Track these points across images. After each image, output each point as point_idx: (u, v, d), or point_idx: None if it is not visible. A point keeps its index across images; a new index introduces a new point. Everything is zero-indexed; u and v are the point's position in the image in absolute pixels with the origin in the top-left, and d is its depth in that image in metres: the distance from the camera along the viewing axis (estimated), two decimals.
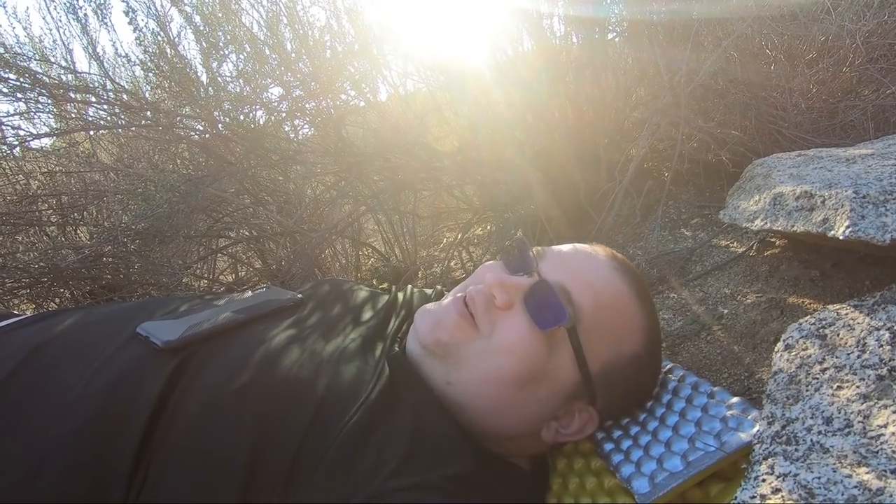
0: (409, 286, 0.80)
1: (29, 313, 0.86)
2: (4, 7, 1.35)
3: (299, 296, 0.71)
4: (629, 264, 0.65)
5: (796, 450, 0.41)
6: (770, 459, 0.42)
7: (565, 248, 0.65)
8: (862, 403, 0.42)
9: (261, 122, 1.46)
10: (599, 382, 0.59)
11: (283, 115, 1.52)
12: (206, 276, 1.79)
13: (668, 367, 0.73)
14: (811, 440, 0.42)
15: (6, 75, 1.16)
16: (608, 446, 0.65)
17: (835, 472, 0.37)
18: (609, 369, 0.59)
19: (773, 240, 1.01)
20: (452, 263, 1.63)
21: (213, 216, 1.65)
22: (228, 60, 1.41)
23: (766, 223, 0.72)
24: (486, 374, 0.57)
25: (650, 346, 0.63)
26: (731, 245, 1.10)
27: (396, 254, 1.74)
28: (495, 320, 0.58)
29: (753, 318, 0.84)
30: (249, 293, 0.74)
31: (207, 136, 1.44)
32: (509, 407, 0.58)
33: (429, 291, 0.82)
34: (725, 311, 0.89)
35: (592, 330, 0.57)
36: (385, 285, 1.65)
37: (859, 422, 0.40)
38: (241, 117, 1.42)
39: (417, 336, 0.61)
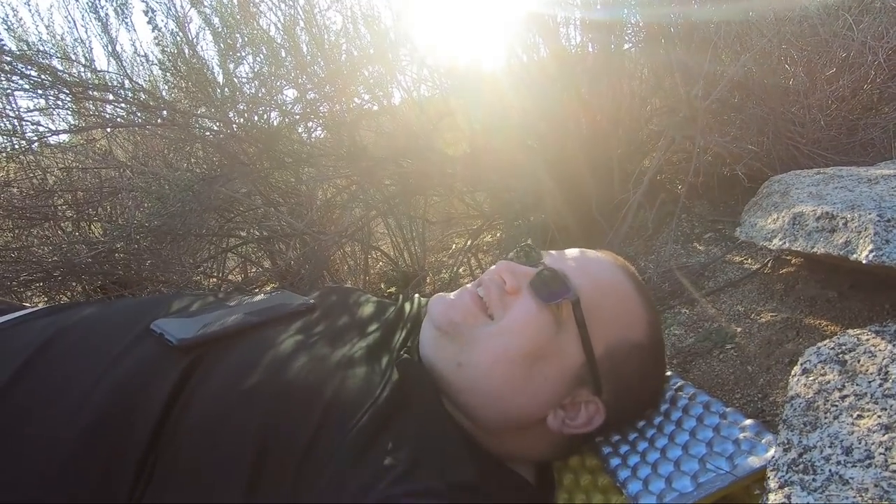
0: (416, 295, 0.81)
1: (41, 306, 0.87)
2: (28, 5, 1.37)
3: (311, 301, 0.71)
4: (631, 268, 0.67)
5: (814, 480, 0.40)
6: (787, 489, 0.41)
7: (569, 250, 0.68)
8: (884, 434, 0.41)
9: (275, 124, 1.47)
10: (604, 366, 0.59)
11: (298, 117, 1.52)
12: (215, 274, 1.80)
13: (679, 384, 0.72)
14: (830, 470, 0.40)
15: (28, 72, 1.18)
16: (615, 462, 0.65)
17: None
18: (613, 354, 0.60)
19: (788, 258, 1.00)
20: (461, 270, 1.62)
21: (225, 216, 1.66)
22: (245, 62, 1.42)
23: (785, 243, 0.71)
24: (497, 352, 0.58)
25: (654, 340, 0.63)
26: (745, 261, 1.09)
27: (405, 258, 1.74)
28: (507, 306, 0.61)
29: (768, 337, 0.83)
30: (262, 296, 0.74)
31: (222, 136, 1.45)
32: (518, 386, 0.58)
33: None
34: (739, 330, 0.88)
35: (595, 310, 0.59)
36: (392, 290, 1.65)
37: (881, 454, 0.39)
38: (256, 118, 1.43)
39: (431, 318, 0.63)
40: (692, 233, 1.30)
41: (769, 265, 1.02)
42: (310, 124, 1.61)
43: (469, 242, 1.62)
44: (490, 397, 0.59)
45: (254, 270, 1.92)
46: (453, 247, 1.96)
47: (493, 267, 0.66)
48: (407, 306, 0.76)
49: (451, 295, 0.65)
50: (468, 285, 0.67)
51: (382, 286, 1.74)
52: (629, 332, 0.61)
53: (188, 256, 1.55)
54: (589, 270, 0.62)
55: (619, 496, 0.63)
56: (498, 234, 1.77)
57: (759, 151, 1.26)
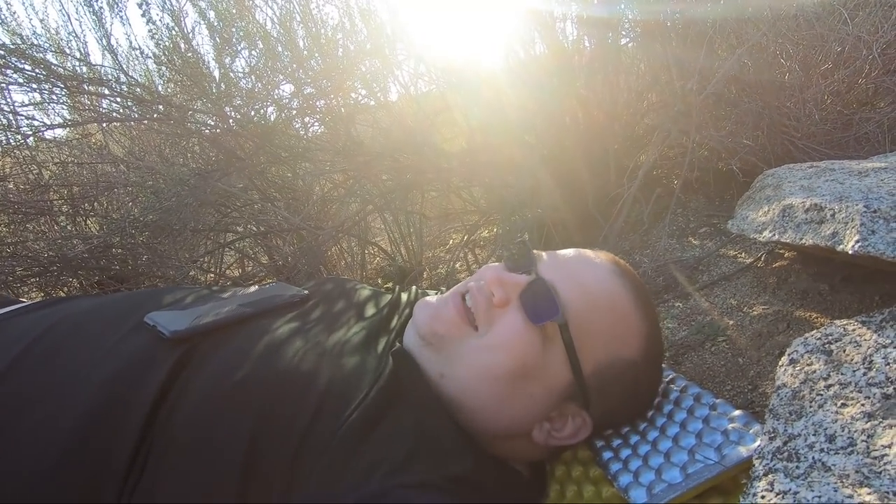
0: (414, 287, 0.80)
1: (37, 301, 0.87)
2: None
3: (305, 292, 0.71)
4: (631, 271, 0.64)
5: (797, 467, 0.41)
6: (770, 476, 0.41)
7: (567, 251, 0.65)
8: (866, 422, 0.41)
9: (271, 119, 1.47)
10: (593, 384, 0.59)
11: (294, 112, 1.52)
12: (212, 270, 1.80)
13: (671, 376, 0.72)
14: (813, 458, 0.41)
15: (22, 66, 1.18)
16: (607, 455, 0.65)
17: (836, 491, 0.36)
18: (603, 372, 0.59)
19: (781, 251, 1.00)
20: (458, 265, 1.63)
21: (222, 211, 1.66)
22: (241, 56, 1.42)
23: (775, 235, 0.71)
24: (480, 369, 0.57)
25: (649, 353, 0.62)
26: (739, 255, 1.09)
27: (402, 253, 1.74)
28: (493, 320, 0.59)
29: (759, 330, 0.83)
30: (255, 287, 0.74)
31: (218, 131, 1.45)
32: (501, 403, 0.58)
33: (432, 293, 0.82)
34: (731, 323, 0.88)
35: (585, 329, 0.57)
36: (389, 285, 1.65)
37: (863, 441, 0.39)
38: (252, 113, 1.43)
39: (415, 326, 0.62)
40: (687, 227, 1.31)
41: (762, 259, 1.02)
42: (306, 119, 1.61)
43: (466, 238, 1.63)
44: (472, 410, 0.58)
45: (251, 266, 1.93)
46: (450, 242, 1.97)
47: (484, 267, 0.65)
48: (404, 296, 0.76)
49: (437, 300, 0.64)
50: (457, 287, 0.65)
51: (379, 281, 1.74)
52: (622, 349, 0.59)
53: (185, 252, 1.55)
54: (583, 281, 0.60)
55: (609, 487, 0.63)
56: (495, 230, 1.77)
57: (754, 146, 1.26)
